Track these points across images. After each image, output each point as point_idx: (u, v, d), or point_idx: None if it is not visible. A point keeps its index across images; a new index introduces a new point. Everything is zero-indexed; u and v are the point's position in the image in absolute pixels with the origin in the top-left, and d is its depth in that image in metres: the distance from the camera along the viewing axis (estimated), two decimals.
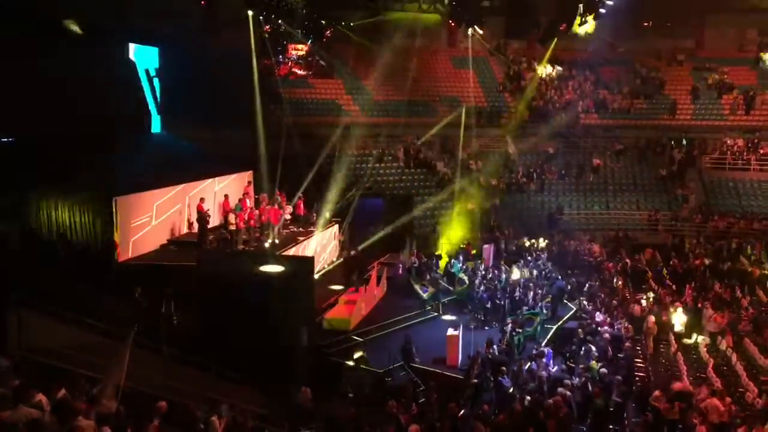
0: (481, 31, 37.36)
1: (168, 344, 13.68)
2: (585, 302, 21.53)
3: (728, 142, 33.28)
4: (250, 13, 28.58)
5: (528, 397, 14.08)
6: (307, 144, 28.42)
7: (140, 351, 13.21)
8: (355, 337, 18.38)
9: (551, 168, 33.61)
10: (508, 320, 18.83)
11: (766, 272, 24.50)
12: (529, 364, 16.03)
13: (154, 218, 19.15)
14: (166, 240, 19.76)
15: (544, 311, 20.05)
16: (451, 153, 33.72)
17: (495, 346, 16.88)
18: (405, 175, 32.29)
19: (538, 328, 19.11)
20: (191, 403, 11.08)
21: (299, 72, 34.73)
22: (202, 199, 20.20)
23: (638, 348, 19.26)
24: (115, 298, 15.59)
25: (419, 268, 23.28)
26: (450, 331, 17.65)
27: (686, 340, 19.62)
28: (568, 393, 14.13)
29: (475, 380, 15.29)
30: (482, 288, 21.45)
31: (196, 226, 20.22)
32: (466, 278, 22.39)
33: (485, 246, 25.90)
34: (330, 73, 35.67)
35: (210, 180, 22.24)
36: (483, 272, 23.16)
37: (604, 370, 15.65)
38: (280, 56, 33.71)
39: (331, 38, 35.39)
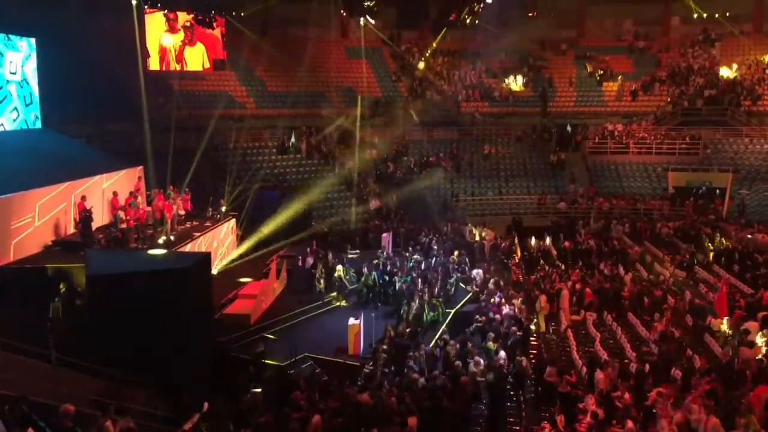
0: (373, 21, 37.65)
1: (57, 350, 13.06)
2: (480, 285, 22.15)
3: (608, 127, 35.13)
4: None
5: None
6: (200, 137, 27.70)
7: (27, 359, 12.64)
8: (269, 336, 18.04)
9: (445, 156, 34.39)
10: (413, 304, 19.22)
11: (642, 249, 26.08)
12: (435, 348, 16.44)
13: (37, 219, 18.14)
14: (50, 241, 18.78)
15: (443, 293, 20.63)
16: (347, 143, 33.82)
17: (398, 332, 17.18)
18: (302, 167, 32.11)
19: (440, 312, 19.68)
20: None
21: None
22: (83, 198, 19.29)
23: (532, 327, 20.04)
24: None
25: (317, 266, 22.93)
26: (351, 321, 17.76)
27: (575, 317, 20.62)
28: (472, 369, 14.68)
29: (377, 367, 15.47)
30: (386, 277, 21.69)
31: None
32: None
33: (384, 234, 26.12)
34: (221, 64, 34.91)
35: (98, 177, 21.26)
36: (385, 260, 23.34)
37: (500, 350, 16.24)
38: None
39: (223, 29, 34.63)
